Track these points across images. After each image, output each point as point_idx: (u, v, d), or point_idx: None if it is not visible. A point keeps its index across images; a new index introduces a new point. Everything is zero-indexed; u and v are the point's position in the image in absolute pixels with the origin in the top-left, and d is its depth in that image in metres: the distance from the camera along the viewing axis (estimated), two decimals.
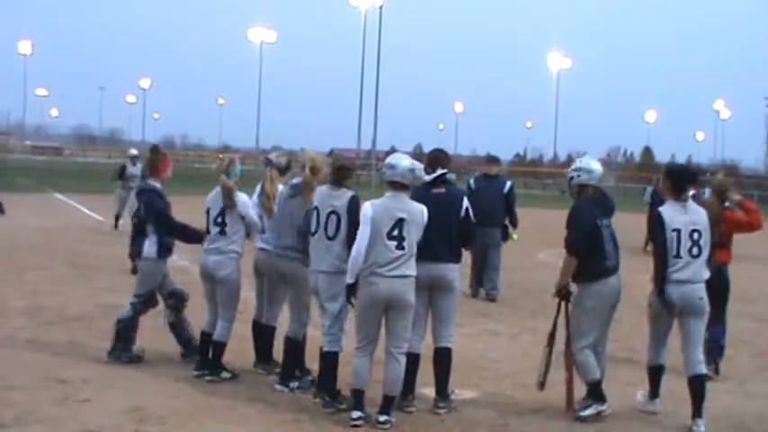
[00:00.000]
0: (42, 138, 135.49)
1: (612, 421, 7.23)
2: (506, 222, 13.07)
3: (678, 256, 7.12)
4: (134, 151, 20.60)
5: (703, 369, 7.26)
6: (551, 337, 7.49)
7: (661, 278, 7.15)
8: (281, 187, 7.91)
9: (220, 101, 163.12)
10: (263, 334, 8.15)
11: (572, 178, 7.46)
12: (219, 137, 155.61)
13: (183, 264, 15.03)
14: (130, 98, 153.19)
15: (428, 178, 7.36)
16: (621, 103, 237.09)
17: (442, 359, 7.34)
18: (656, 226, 7.21)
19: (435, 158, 7.50)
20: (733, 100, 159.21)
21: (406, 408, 7.18)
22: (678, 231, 7.13)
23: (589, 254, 7.16)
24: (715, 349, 8.73)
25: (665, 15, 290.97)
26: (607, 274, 7.21)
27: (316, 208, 7.20)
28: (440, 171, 7.40)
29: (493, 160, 13.80)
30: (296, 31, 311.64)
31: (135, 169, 18.78)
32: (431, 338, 7.40)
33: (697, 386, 7.17)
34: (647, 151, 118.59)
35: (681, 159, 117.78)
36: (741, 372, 9.14)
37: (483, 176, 13.52)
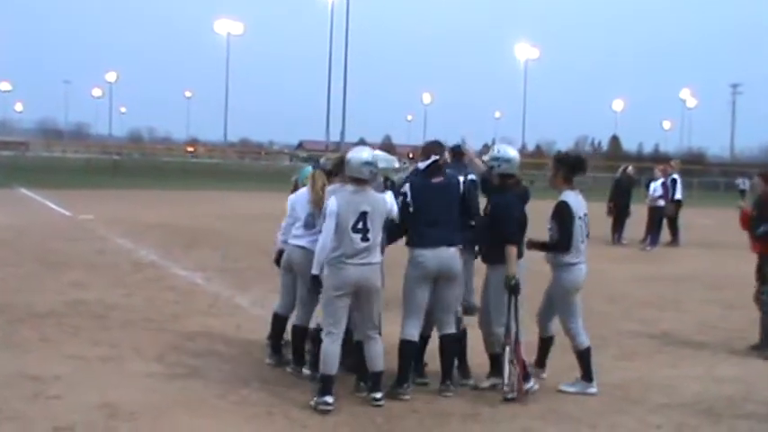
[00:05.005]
0: (7, 133, 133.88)
1: (583, 406, 7.30)
2: None
3: (582, 242, 7.66)
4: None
5: None
6: (507, 332, 7.48)
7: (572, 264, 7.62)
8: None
9: (187, 93, 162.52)
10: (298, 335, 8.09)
11: (492, 168, 7.65)
12: (187, 130, 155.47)
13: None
14: (96, 92, 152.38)
15: (422, 165, 7.57)
16: (589, 93, 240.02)
17: (450, 345, 7.52)
18: (566, 216, 7.55)
19: (430, 149, 7.66)
20: (699, 89, 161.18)
21: (402, 395, 7.25)
22: (581, 219, 7.65)
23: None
24: None
25: (631, 5, 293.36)
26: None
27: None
28: (433, 158, 7.52)
29: None
30: (263, 23, 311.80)
31: None
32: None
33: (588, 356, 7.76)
34: (615, 140, 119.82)
35: (648, 148, 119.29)
36: (710, 357, 9.26)
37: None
